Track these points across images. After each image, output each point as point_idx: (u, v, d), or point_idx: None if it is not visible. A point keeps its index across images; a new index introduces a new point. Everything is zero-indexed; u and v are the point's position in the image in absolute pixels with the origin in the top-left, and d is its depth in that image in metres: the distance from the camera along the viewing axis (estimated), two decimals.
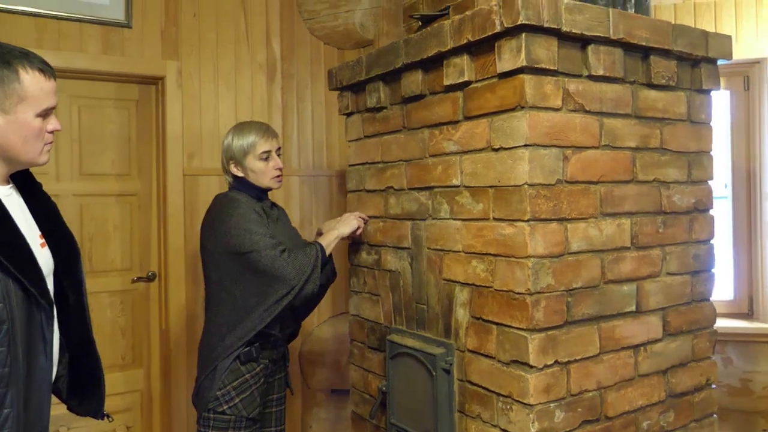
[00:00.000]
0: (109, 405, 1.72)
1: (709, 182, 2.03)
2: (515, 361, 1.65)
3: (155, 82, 2.87)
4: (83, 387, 1.59)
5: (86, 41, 2.64)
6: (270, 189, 2.12)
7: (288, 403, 3.04)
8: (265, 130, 2.08)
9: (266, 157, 2.06)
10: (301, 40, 3.14)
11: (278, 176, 2.10)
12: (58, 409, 1.62)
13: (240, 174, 2.07)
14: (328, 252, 2.06)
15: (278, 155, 2.12)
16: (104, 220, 2.78)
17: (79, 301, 1.55)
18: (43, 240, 1.46)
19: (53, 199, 1.58)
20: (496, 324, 1.71)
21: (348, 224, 2.19)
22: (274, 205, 2.20)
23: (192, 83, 2.87)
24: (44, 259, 1.42)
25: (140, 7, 2.74)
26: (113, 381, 2.74)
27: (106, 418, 1.66)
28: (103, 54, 2.66)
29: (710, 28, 2.92)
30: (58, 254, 1.49)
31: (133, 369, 2.86)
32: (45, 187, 1.57)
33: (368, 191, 2.30)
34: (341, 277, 3.11)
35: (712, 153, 2.03)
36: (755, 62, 2.93)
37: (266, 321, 1.93)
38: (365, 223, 2.27)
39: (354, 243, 2.40)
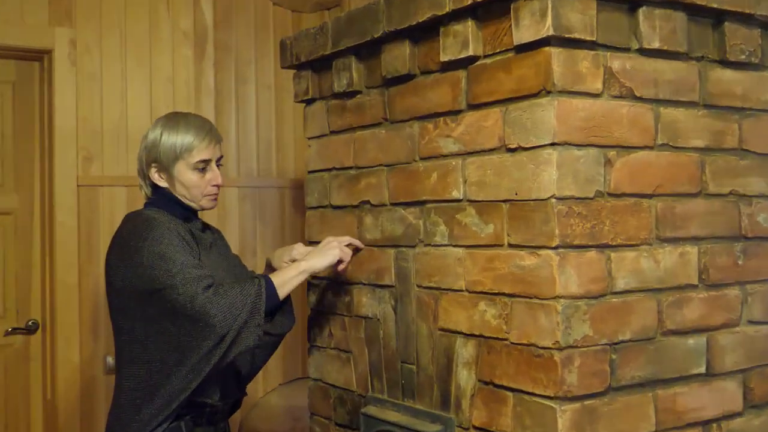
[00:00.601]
0: None
1: None
2: None
3: (39, 57, 2.87)
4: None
5: None
6: (200, 210, 2.12)
7: None
8: (208, 130, 2.07)
9: (203, 167, 2.04)
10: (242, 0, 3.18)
11: (214, 195, 2.10)
12: None
13: (163, 184, 2.05)
14: (285, 291, 2.01)
15: (218, 166, 2.11)
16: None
17: None
18: None
19: None
20: (513, 391, 1.70)
21: (324, 255, 2.08)
22: (206, 226, 2.20)
23: (90, 59, 2.88)
24: None
25: None
26: None
27: None
28: None
29: None
30: None
31: None
32: None
33: (335, 207, 2.32)
34: (297, 329, 3.09)
35: None
36: None
37: (192, 385, 1.90)
38: (355, 254, 2.18)
39: (317, 279, 2.39)
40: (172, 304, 1.87)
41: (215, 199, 2.11)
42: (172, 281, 1.86)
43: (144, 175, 2.08)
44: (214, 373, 1.93)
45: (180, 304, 1.86)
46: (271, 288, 1.96)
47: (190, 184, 2.03)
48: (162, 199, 2.07)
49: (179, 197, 2.06)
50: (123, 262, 1.97)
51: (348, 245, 2.13)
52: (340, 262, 2.09)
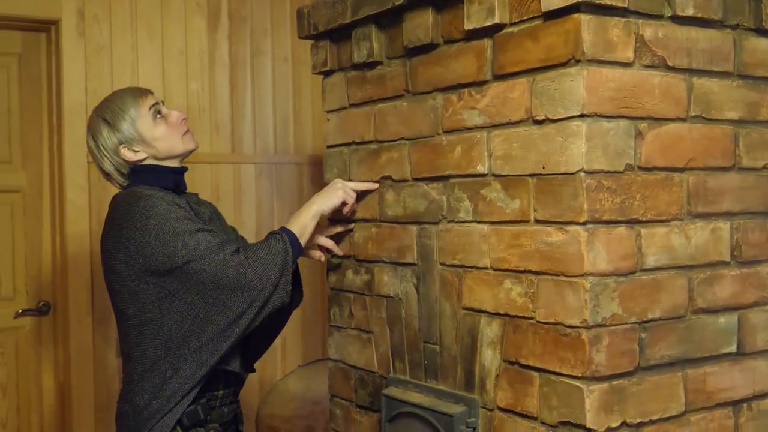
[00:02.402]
0: None
1: None
2: (566, 423, 1.66)
3: (46, 27, 2.88)
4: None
5: None
6: (188, 154, 2.14)
7: None
8: (132, 88, 2.14)
9: (159, 111, 2.07)
10: None
11: (189, 130, 2.13)
12: None
13: (141, 156, 2.05)
14: (305, 238, 2.08)
15: None
16: None
17: None
18: None
19: None
20: (539, 371, 1.73)
21: (329, 196, 2.16)
22: (201, 201, 2.22)
23: (99, 30, 2.88)
24: None
25: None
26: None
27: None
28: None
29: None
30: None
31: None
32: None
33: None
34: (317, 309, 3.12)
35: None
36: None
37: (223, 348, 1.93)
38: (359, 196, 2.25)
39: (335, 257, 2.40)
40: (199, 276, 1.89)
41: (192, 137, 2.14)
42: (195, 253, 1.88)
43: (114, 165, 2.05)
44: (242, 338, 1.98)
45: (210, 275, 1.89)
46: (294, 239, 2.02)
47: (163, 132, 2.06)
48: (146, 175, 2.06)
49: (164, 156, 2.07)
50: (123, 244, 1.95)
51: (351, 189, 2.20)
52: (344, 204, 2.19)
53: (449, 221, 1.97)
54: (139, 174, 2.05)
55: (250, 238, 3.06)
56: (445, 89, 1.98)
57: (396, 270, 2.16)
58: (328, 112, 2.43)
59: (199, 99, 3.03)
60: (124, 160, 2.04)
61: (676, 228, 1.75)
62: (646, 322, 1.70)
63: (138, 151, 2.03)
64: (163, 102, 2.11)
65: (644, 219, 1.70)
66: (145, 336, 1.98)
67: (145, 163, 2.05)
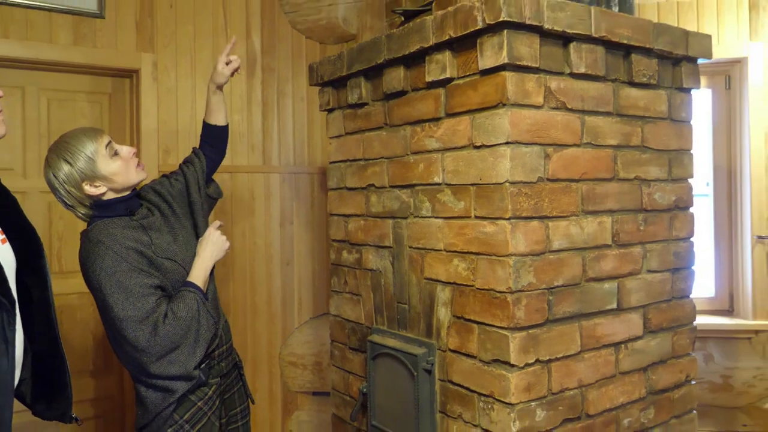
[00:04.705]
0: (77, 411, 1.68)
1: (690, 180, 2.07)
2: (496, 360, 1.67)
3: (129, 75, 2.84)
4: (49, 389, 1.54)
5: (56, 31, 2.61)
6: (140, 182, 1.80)
7: (267, 407, 3.06)
8: (86, 128, 1.74)
9: (114, 149, 1.72)
10: (282, 33, 3.14)
11: (139, 161, 1.79)
12: (22, 416, 1.59)
13: (102, 189, 1.69)
14: (205, 286, 1.78)
15: None
16: (74, 218, 2.66)
17: (45, 298, 1.51)
18: (4, 236, 1.43)
19: (19, 196, 1.55)
20: (478, 323, 1.73)
21: (214, 250, 1.83)
22: (149, 208, 1.83)
23: (168, 76, 2.85)
24: (5, 255, 1.40)
25: None
26: (83, 387, 2.70)
27: (74, 421, 1.62)
28: (74, 45, 2.63)
29: (692, 27, 2.97)
30: (20, 250, 1.45)
31: (105, 376, 2.80)
32: (11, 185, 1.55)
33: (349, 189, 2.31)
34: (324, 277, 3.14)
35: (692, 151, 2.07)
36: (736, 61, 3.00)
37: (197, 358, 1.68)
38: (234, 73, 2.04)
39: (336, 241, 2.40)
40: (120, 333, 1.61)
41: (143, 167, 1.80)
42: (123, 315, 1.59)
43: (76, 198, 1.69)
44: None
45: (127, 339, 1.61)
46: (200, 289, 1.74)
47: (119, 167, 1.70)
48: (104, 208, 1.72)
49: (121, 187, 1.72)
50: (87, 279, 1.66)
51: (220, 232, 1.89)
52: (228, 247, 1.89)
53: (415, 216, 1.97)
54: (98, 209, 1.71)
55: (275, 227, 3.09)
56: (412, 123, 1.98)
57: (378, 251, 2.15)
58: (330, 137, 2.42)
59: (240, 126, 3.01)
60: (87, 195, 1.68)
61: (573, 221, 1.76)
62: (552, 288, 1.71)
63: (99, 186, 1.68)
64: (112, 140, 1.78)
65: (551, 215, 1.71)
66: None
67: (104, 198, 1.71)
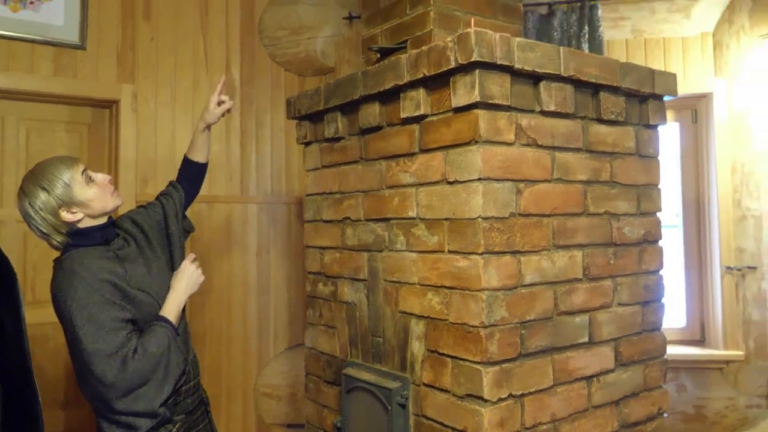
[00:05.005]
0: None
1: (658, 214, 2.10)
2: (470, 395, 1.66)
3: (109, 105, 2.83)
4: (20, 421, 1.51)
5: (38, 62, 2.61)
6: (117, 208, 1.76)
7: None
8: (61, 156, 1.72)
9: (90, 176, 1.69)
10: (262, 65, 3.16)
11: (114, 188, 1.75)
12: None
13: (79, 216, 1.66)
14: (177, 321, 1.73)
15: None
16: (49, 247, 2.67)
17: (17, 328, 1.48)
18: None
19: None
20: (451, 357, 1.72)
21: (189, 283, 1.80)
22: (125, 237, 1.79)
23: (148, 107, 2.85)
24: None
25: (95, 29, 2.73)
26: (54, 419, 2.63)
27: None
28: (54, 76, 2.63)
29: (659, 63, 3.05)
30: None
31: (76, 408, 2.72)
32: None
33: (325, 221, 2.30)
34: (299, 308, 3.11)
35: (660, 186, 2.11)
36: (702, 96, 3.08)
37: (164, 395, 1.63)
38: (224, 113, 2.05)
39: (311, 273, 2.38)
40: (87, 367, 1.56)
41: (119, 194, 1.76)
42: (92, 348, 1.54)
43: (53, 226, 1.64)
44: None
45: (94, 374, 1.55)
46: (171, 324, 1.70)
47: (95, 193, 1.67)
48: (80, 238, 1.67)
49: (98, 214, 1.69)
50: (58, 309, 1.61)
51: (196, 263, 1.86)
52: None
53: (390, 250, 1.97)
54: (74, 237, 1.67)
55: (251, 256, 3.06)
56: (387, 158, 1.98)
57: (353, 283, 2.14)
58: (307, 170, 2.42)
59: (218, 156, 3.00)
60: (63, 222, 1.64)
61: (545, 256, 1.76)
62: (525, 322, 1.71)
63: (75, 212, 1.65)
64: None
65: (523, 250, 1.71)
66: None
67: (81, 225, 1.67)
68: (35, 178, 1.64)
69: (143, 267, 1.76)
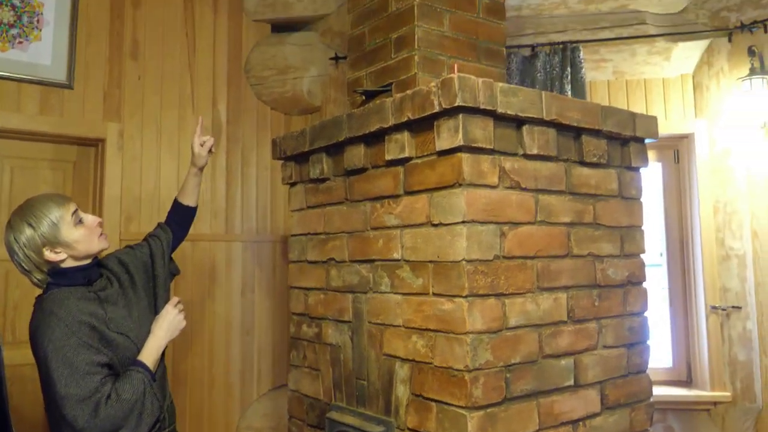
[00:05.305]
0: None
1: (642, 256, 2.11)
2: None
3: (95, 143, 2.83)
4: None
5: (24, 101, 2.61)
6: (101, 251, 1.73)
7: None
8: (54, 194, 1.69)
9: (79, 218, 1.67)
10: (248, 104, 3.18)
11: (103, 232, 1.72)
12: None
13: (62, 256, 1.63)
14: (154, 367, 1.69)
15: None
16: (31, 286, 2.59)
17: None
18: None
19: None
20: (436, 401, 1.70)
21: (170, 328, 1.76)
22: (109, 277, 1.77)
23: (133, 145, 2.85)
24: None
25: (83, 68, 2.74)
26: None
27: None
28: (40, 114, 2.63)
29: (641, 104, 3.11)
30: None
31: None
32: None
33: (310, 262, 2.29)
34: (283, 346, 3.07)
35: (643, 228, 2.13)
36: (683, 137, 3.13)
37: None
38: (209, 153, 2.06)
39: (296, 315, 2.35)
40: (59, 411, 1.52)
41: (106, 237, 1.73)
42: (65, 392, 1.51)
43: (35, 264, 1.61)
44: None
45: (65, 418, 1.52)
46: (148, 369, 1.66)
47: (82, 235, 1.65)
48: (62, 278, 1.65)
49: (83, 255, 1.66)
50: (35, 349, 1.59)
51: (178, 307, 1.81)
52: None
53: (374, 292, 1.96)
54: (55, 276, 1.65)
55: (236, 296, 3.03)
56: (372, 199, 1.99)
57: (337, 325, 2.13)
58: (292, 211, 2.42)
59: (204, 194, 3.00)
60: (46, 261, 1.61)
61: (529, 298, 1.76)
62: (510, 365, 1.69)
63: (59, 252, 1.62)
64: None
65: (507, 292, 1.71)
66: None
67: (63, 265, 1.64)
68: (23, 213, 1.63)
69: (124, 309, 1.74)
